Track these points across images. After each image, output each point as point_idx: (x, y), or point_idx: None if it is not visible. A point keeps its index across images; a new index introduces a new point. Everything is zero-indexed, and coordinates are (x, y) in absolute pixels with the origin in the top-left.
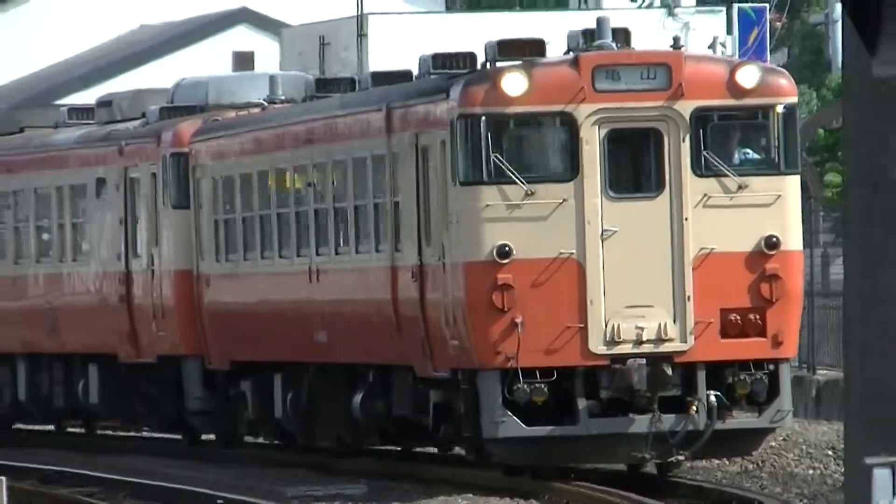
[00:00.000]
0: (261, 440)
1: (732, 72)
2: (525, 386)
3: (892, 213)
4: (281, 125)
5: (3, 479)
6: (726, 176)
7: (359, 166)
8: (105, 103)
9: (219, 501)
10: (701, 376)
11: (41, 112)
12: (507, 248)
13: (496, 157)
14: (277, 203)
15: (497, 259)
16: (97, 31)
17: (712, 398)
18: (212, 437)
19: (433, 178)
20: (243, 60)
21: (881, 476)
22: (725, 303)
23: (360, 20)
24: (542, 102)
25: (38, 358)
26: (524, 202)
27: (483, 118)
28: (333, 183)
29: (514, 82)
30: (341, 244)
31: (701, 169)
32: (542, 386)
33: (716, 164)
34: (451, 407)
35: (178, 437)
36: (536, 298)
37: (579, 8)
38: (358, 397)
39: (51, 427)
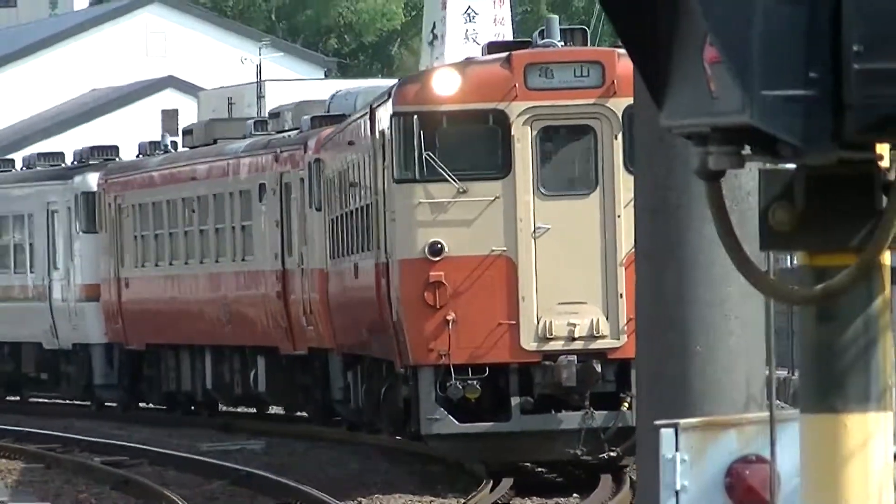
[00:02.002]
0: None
1: None
2: (458, 383)
3: (668, 233)
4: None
5: None
6: None
7: None
8: (275, 115)
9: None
10: (634, 373)
11: (236, 125)
12: (439, 246)
13: (428, 154)
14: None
15: (429, 257)
16: (56, 93)
17: None
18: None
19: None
20: (169, 116)
21: (667, 434)
22: None
23: (260, 86)
24: (473, 100)
25: (220, 349)
26: (456, 200)
27: (415, 116)
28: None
29: (445, 81)
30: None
31: (634, 167)
32: (475, 383)
33: None
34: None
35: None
36: (469, 296)
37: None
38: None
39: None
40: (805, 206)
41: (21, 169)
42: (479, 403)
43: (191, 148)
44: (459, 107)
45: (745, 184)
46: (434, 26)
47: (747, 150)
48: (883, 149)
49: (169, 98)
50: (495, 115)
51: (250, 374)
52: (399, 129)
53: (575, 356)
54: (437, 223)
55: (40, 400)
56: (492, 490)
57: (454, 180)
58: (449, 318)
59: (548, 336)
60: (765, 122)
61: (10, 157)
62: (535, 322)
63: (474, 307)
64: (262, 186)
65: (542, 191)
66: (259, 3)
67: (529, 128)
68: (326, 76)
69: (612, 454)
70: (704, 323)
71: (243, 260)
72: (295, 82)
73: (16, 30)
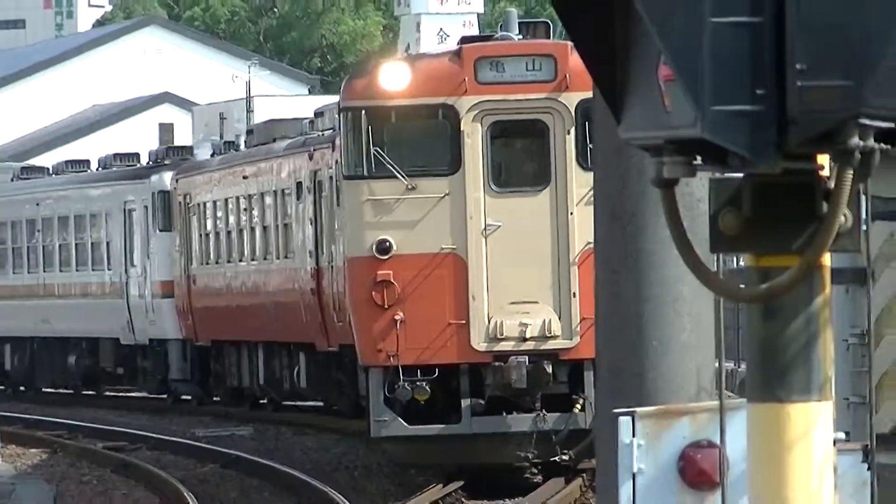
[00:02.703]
0: None
1: None
2: (406, 384)
3: (626, 236)
4: None
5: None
6: None
7: None
8: (319, 114)
9: None
10: (588, 374)
11: (293, 124)
12: (387, 244)
13: (377, 150)
14: None
15: (377, 255)
16: (61, 108)
17: None
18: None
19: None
20: (166, 130)
21: (625, 421)
22: None
23: (249, 101)
24: (423, 95)
25: (271, 346)
26: (405, 197)
27: (363, 111)
28: None
29: (394, 75)
30: None
31: (587, 162)
32: (424, 384)
33: None
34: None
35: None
36: (418, 295)
37: None
38: None
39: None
40: (751, 212)
41: (97, 169)
42: (430, 405)
43: (249, 147)
44: (408, 101)
45: (696, 191)
46: (408, 47)
47: (698, 160)
48: (823, 159)
49: (165, 112)
50: (445, 110)
51: (294, 370)
52: (347, 124)
53: (526, 357)
54: (385, 221)
55: (117, 395)
56: (444, 486)
57: (403, 177)
58: (397, 317)
59: (499, 336)
60: (714, 135)
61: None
62: (486, 322)
63: (423, 307)
64: (299, 185)
65: (493, 187)
66: (248, 25)
67: (480, 123)
68: (310, 92)
69: (564, 457)
70: (659, 319)
71: (286, 258)
72: (281, 98)
73: (24, 50)
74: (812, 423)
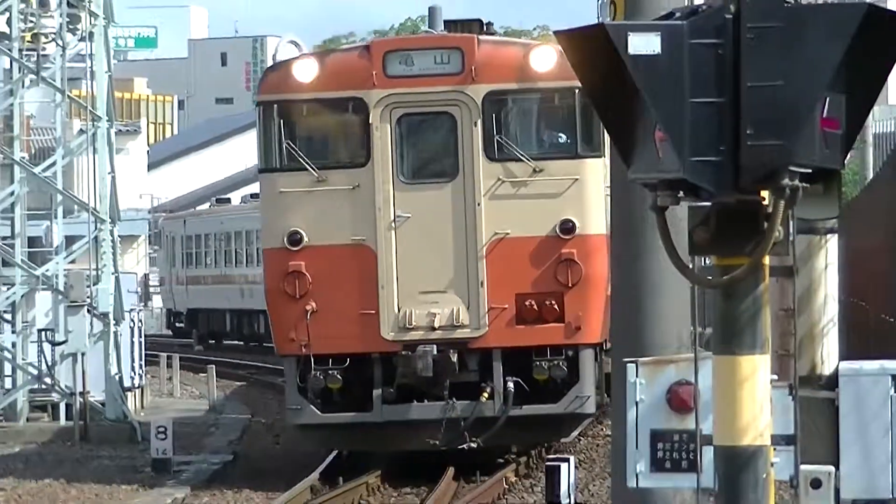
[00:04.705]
0: None
1: (527, 55)
2: (318, 373)
3: (632, 243)
4: None
5: None
6: (520, 161)
7: None
8: None
9: None
10: (497, 363)
11: None
12: (298, 236)
13: (288, 143)
14: None
15: (288, 246)
16: (223, 172)
17: (510, 385)
18: None
19: None
20: None
21: (631, 367)
22: (521, 288)
23: None
24: (332, 88)
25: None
26: (316, 189)
27: (276, 105)
28: None
29: (305, 69)
30: None
31: (494, 154)
32: (336, 373)
33: (509, 148)
34: None
35: None
36: (329, 285)
37: None
38: None
39: None
40: (716, 229)
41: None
42: (346, 393)
43: None
44: (318, 95)
45: (679, 213)
46: None
47: (681, 193)
48: (765, 193)
49: None
50: (354, 104)
51: None
52: (261, 118)
53: (434, 346)
54: (296, 213)
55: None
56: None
57: (313, 169)
58: (308, 308)
59: (408, 326)
60: (692, 177)
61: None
62: (396, 312)
63: (334, 297)
64: None
65: (402, 179)
66: None
67: (389, 115)
68: None
69: (472, 445)
70: (654, 299)
71: None
72: None
73: (233, 117)
74: (756, 369)
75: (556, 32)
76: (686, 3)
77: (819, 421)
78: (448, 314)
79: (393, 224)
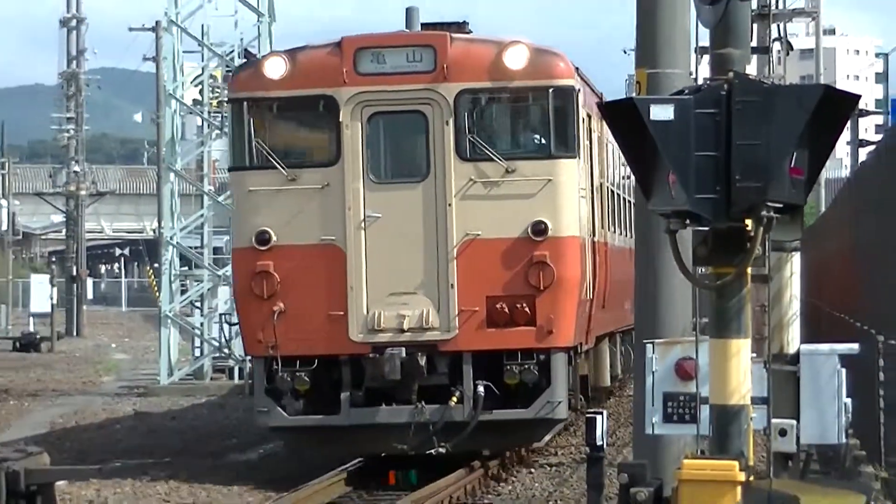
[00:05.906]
0: None
1: (500, 53)
2: (286, 375)
3: (650, 255)
4: None
5: None
6: (492, 160)
7: None
8: None
9: None
10: (467, 366)
11: None
12: (266, 235)
13: (258, 141)
14: None
15: (256, 246)
16: None
17: (480, 389)
18: None
19: None
20: None
21: (648, 346)
22: (492, 290)
23: None
24: (303, 86)
25: None
26: (285, 188)
27: (245, 103)
28: None
29: (275, 66)
30: None
31: (466, 153)
32: (303, 375)
33: (481, 148)
34: None
35: None
36: (298, 286)
37: None
38: None
39: None
40: (712, 246)
41: None
42: (315, 395)
43: None
44: (288, 93)
45: (685, 235)
46: None
47: (688, 221)
48: (748, 221)
49: None
50: (324, 102)
51: None
52: (231, 116)
53: (402, 349)
54: (265, 212)
55: None
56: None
57: (283, 168)
58: (276, 308)
59: (377, 328)
60: (695, 209)
61: None
62: (365, 313)
63: (303, 298)
64: None
65: (373, 179)
66: None
67: (360, 113)
68: None
69: (440, 449)
70: (666, 296)
71: None
72: None
73: None
74: (740, 349)
75: (600, 104)
76: (693, 83)
77: (785, 387)
78: (417, 316)
79: (363, 224)
